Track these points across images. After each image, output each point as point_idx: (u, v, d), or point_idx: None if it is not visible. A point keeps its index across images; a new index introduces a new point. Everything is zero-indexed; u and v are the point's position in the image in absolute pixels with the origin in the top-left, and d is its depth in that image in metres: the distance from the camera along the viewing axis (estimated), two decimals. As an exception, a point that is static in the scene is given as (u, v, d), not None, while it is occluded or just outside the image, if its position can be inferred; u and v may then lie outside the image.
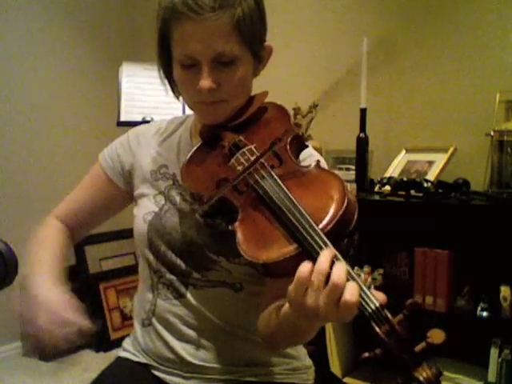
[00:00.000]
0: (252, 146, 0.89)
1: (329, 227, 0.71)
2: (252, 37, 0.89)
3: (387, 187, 2.09)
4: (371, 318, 0.65)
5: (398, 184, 2.04)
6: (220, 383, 1.00)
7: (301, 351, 1.09)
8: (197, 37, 0.85)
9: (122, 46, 3.06)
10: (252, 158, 0.86)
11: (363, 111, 2.23)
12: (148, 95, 2.24)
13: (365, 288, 0.66)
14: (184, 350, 1.00)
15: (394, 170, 2.22)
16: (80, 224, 1.13)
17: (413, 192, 2.01)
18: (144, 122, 2.21)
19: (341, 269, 0.65)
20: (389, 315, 0.64)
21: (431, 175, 2.07)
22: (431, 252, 2.01)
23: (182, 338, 1.00)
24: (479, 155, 2.06)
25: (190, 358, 1.00)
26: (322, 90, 2.57)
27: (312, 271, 0.66)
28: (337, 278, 0.64)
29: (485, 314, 1.89)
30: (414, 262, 2.06)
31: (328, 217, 0.72)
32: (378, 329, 0.64)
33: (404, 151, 2.26)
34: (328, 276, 0.65)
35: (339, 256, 0.68)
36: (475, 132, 2.06)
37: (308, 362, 1.10)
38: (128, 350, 1.10)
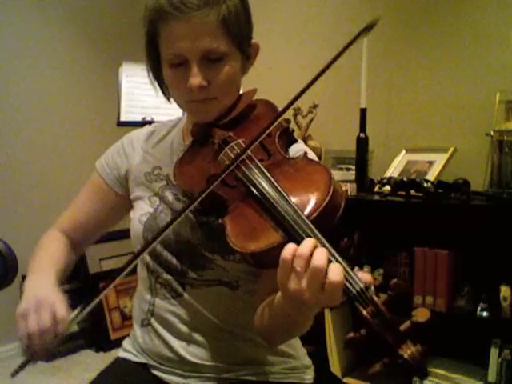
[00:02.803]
0: (240, 140, 0.90)
1: (314, 215, 0.72)
2: (239, 33, 0.91)
3: (387, 187, 2.09)
4: (355, 299, 0.65)
5: (398, 184, 2.04)
6: (219, 382, 1.00)
7: (300, 351, 1.09)
8: (184, 35, 0.87)
9: (121, 46, 3.06)
10: (239, 151, 0.86)
11: (363, 111, 2.23)
12: (148, 95, 2.24)
13: (349, 270, 0.66)
14: (183, 348, 1.00)
15: (394, 169, 2.22)
16: (84, 234, 1.13)
17: (413, 192, 2.01)
18: (144, 122, 2.22)
19: (321, 253, 0.66)
20: (373, 296, 0.65)
21: (431, 175, 2.07)
22: (431, 252, 2.01)
23: (180, 336, 1.01)
24: (479, 155, 2.06)
25: (189, 357, 1.00)
26: (322, 90, 2.57)
27: (294, 251, 0.67)
28: (316, 262, 0.65)
29: (485, 314, 1.89)
30: (413, 261, 2.06)
31: (313, 205, 0.73)
32: (362, 310, 0.65)
33: (404, 151, 2.26)
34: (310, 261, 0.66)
35: (325, 242, 0.69)
36: (475, 132, 2.07)
37: (307, 361, 1.10)
38: (128, 350, 1.10)
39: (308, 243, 0.67)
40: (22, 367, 0.80)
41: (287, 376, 1.04)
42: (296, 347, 1.08)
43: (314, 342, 1.97)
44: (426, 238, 2.04)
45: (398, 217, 2.10)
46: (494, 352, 1.88)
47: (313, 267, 0.65)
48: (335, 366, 2.18)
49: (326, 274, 0.65)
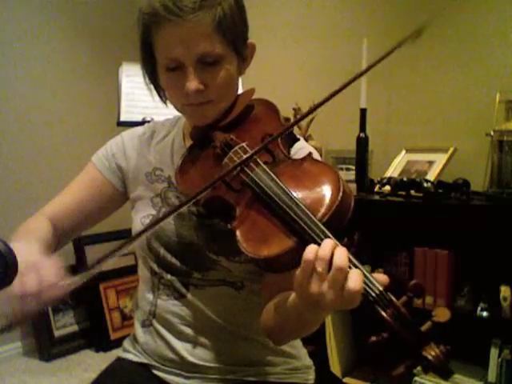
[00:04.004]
0: (244, 144, 0.89)
1: (326, 217, 0.71)
2: (234, 36, 0.90)
3: (387, 187, 2.09)
4: (376, 302, 0.65)
5: (398, 184, 2.04)
6: (221, 383, 1.00)
7: (301, 351, 1.09)
8: (179, 39, 0.86)
9: (121, 46, 3.05)
10: (245, 156, 0.85)
11: (363, 111, 2.23)
12: (148, 95, 2.23)
13: (367, 274, 0.66)
14: (185, 349, 1.00)
15: (394, 169, 2.22)
16: (70, 226, 1.08)
17: (413, 192, 2.01)
18: (144, 121, 2.21)
19: (342, 253, 0.65)
20: (393, 298, 0.65)
21: (431, 175, 2.07)
22: (431, 252, 2.01)
23: (182, 337, 1.01)
24: (479, 155, 2.06)
25: (190, 358, 1.00)
26: (322, 90, 2.57)
27: (316, 256, 0.66)
28: (339, 261, 0.64)
29: (485, 314, 1.89)
30: (414, 261, 2.07)
31: (325, 207, 0.73)
32: (383, 313, 0.64)
33: (404, 151, 2.26)
34: (331, 263, 0.65)
35: (339, 244, 0.68)
36: (475, 132, 2.07)
37: (308, 361, 1.10)
38: (128, 351, 1.10)
39: (328, 244, 0.66)
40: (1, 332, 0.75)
41: (289, 376, 1.04)
42: (297, 347, 1.08)
43: (314, 342, 1.97)
44: (426, 238, 2.04)
45: (398, 217, 2.10)
46: (493, 352, 1.88)
47: (335, 268, 0.64)
48: (335, 366, 2.18)
49: (346, 277, 0.64)
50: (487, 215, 1.95)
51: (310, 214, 0.71)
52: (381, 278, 0.66)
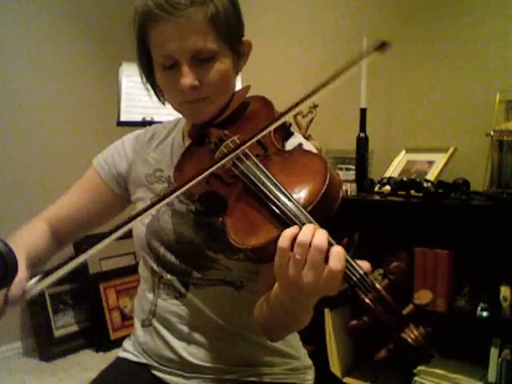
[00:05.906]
0: (235, 138, 0.90)
1: (312, 205, 0.72)
2: (228, 32, 0.91)
3: (387, 187, 2.09)
4: (357, 286, 0.65)
5: (397, 184, 2.04)
6: (220, 383, 1.00)
7: (301, 351, 1.09)
8: (172, 36, 0.87)
9: (121, 46, 3.05)
10: (234, 147, 0.85)
11: (363, 111, 2.23)
12: (148, 95, 2.23)
13: (348, 257, 0.66)
14: (184, 349, 1.00)
15: (394, 170, 2.22)
16: (70, 229, 1.10)
17: (413, 192, 2.01)
18: (144, 122, 2.21)
19: (321, 234, 0.66)
20: (375, 282, 0.65)
21: (431, 175, 2.07)
22: (431, 252, 2.01)
23: (182, 337, 1.01)
24: (479, 155, 2.06)
25: (190, 358, 1.00)
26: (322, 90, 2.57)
27: (292, 239, 0.67)
28: (317, 241, 0.65)
29: (485, 314, 1.89)
30: (414, 261, 2.06)
31: (310, 195, 0.74)
32: (364, 296, 0.64)
33: (404, 151, 2.26)
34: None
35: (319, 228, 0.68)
36: (475, 132, 2.07)
37: (308, 362, 1.10)
38: (128, 351, 1.10)
39: (308, 229, 0.67)
40: None
41: (288, 377, 1.04)
42: (297, 348, 1.08)
43: (314, 342, 1.97)
44: (426, 238, 2.04)
45: (398, 217, 2.10)
46: (494, 352, 1.87)
47: (313, 247, 0.65)
48: (335, 366, 2.18)
49: (327, 258, 0.64)
50: (487, 215, 1.95)
51: (296, 202, 0.72)
52: (363, 264, 0.66)
